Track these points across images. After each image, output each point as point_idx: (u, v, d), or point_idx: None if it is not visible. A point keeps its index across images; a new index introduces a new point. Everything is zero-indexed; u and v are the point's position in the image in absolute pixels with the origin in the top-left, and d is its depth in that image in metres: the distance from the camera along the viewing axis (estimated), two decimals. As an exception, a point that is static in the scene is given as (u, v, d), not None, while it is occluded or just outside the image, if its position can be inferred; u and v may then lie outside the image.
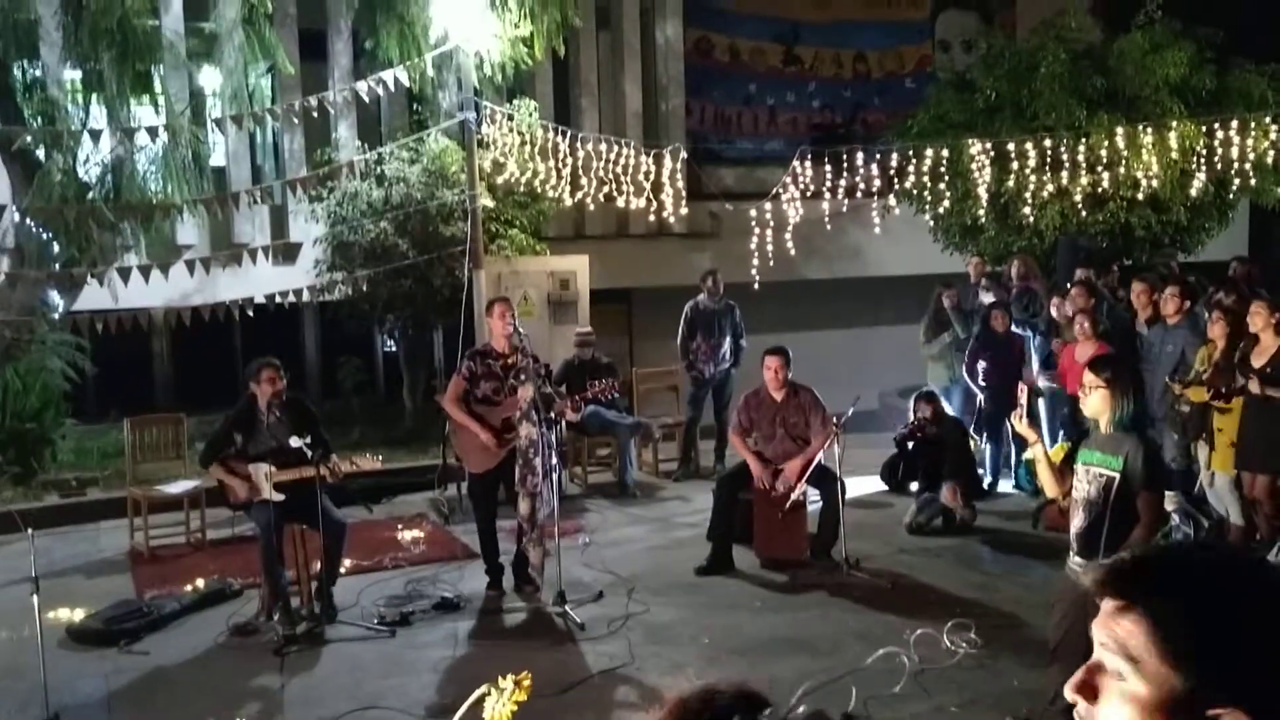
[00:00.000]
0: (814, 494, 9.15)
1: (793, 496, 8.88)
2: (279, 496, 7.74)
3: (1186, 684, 1.38)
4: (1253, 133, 12.92)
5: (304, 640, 7.53)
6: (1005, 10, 20.07)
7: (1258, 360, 8.30)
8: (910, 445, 10.68)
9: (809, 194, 13.48)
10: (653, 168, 12.60)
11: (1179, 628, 1.39)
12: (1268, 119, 13.03)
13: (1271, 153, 13.06)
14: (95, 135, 11.84)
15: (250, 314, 11.98)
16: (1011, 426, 7.05)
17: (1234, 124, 12.87)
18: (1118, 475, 5.34)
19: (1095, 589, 1.48)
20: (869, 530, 9.92)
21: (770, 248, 13.43)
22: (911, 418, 10.77)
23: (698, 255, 15.96)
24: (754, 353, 10.87)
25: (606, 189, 12.50)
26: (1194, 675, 1.37)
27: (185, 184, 12.62)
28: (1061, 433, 10.67)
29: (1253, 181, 13.62)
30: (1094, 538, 5.40)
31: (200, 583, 8.68)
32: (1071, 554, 5.56)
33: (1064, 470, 5.71)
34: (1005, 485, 11.37)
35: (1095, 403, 5.50)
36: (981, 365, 11.02)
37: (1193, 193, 13.36)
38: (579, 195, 12.61)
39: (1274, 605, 1.39)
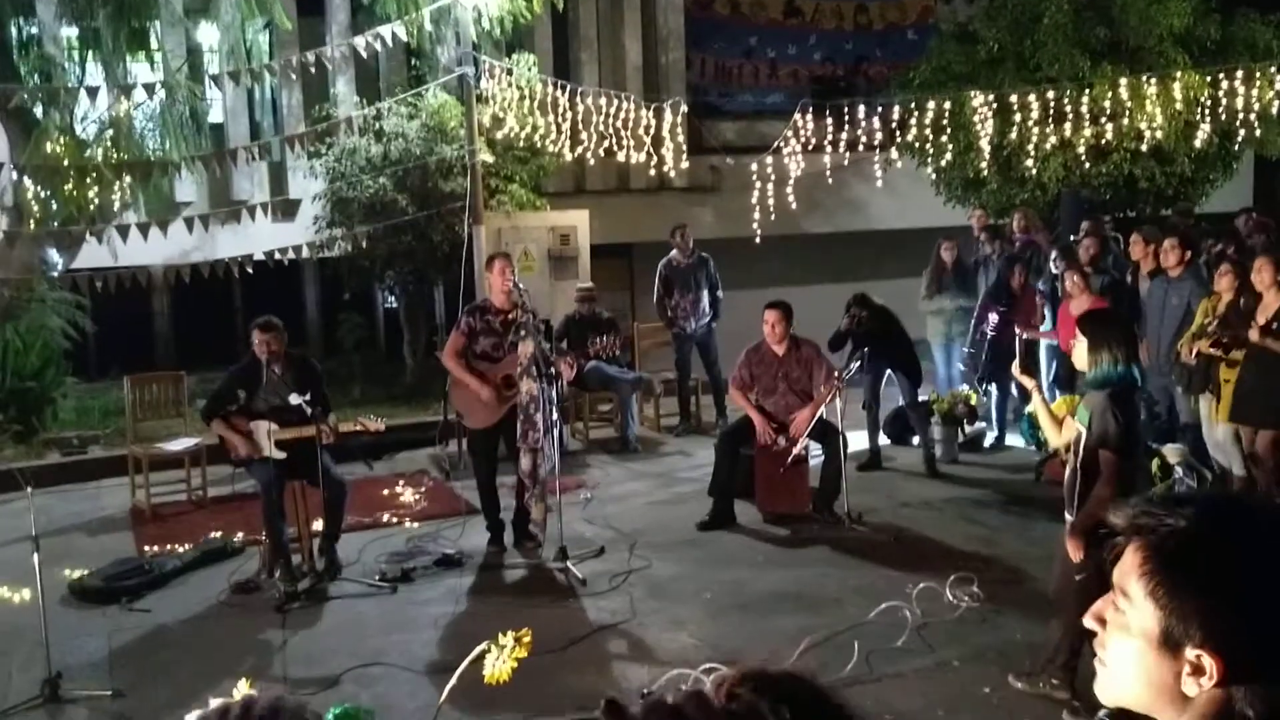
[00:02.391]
0: (816, 448, 9.13)
1: (795, 451, 8.86)
2: (280, 454, 7.73)
3: (1162, 619, 1.41)
4: (1258, 83, 12.82)
5: (305, 597, 7.52)
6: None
7: (1261, 317, 8.25)
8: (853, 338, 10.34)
9: (810, 147, 13.39)
10: (653, 122, 12.51)
11: (1162, 563, 1.42)
12: (1273, 69, 12.94)
13: (1276, 103, 12.96)
14: (92, 92, 11.77)
15: (250, 271, 11.96)
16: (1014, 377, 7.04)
17: (1239, 74, 12.78)
18: (1085, 432, 5.38)
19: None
20: (871, 484, 9.92)
21: (771, 202, 13.35)
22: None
23: (699, 209, 15.91)
24: (746, 306, 10.81)
25: (606, 143, 12.43)
26: (1168, 611, 1.40)
27: (183, 141, 12.58)
28: (1055, 388, 10.67)
29: (1258, 132, 13.55)
30: (1070, 491, 5.52)
31: (201, 540, 8.68)
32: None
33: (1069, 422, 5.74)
34: (1010, 439, 11.33)
35: (1078, 356, 5.55)
36: (992, 316, 10.94)
37: (1197, 144, 13.27)
38: (579, 150, 12.55)
39: (1256, 554, 1.39)
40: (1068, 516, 5.53)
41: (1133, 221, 13.25)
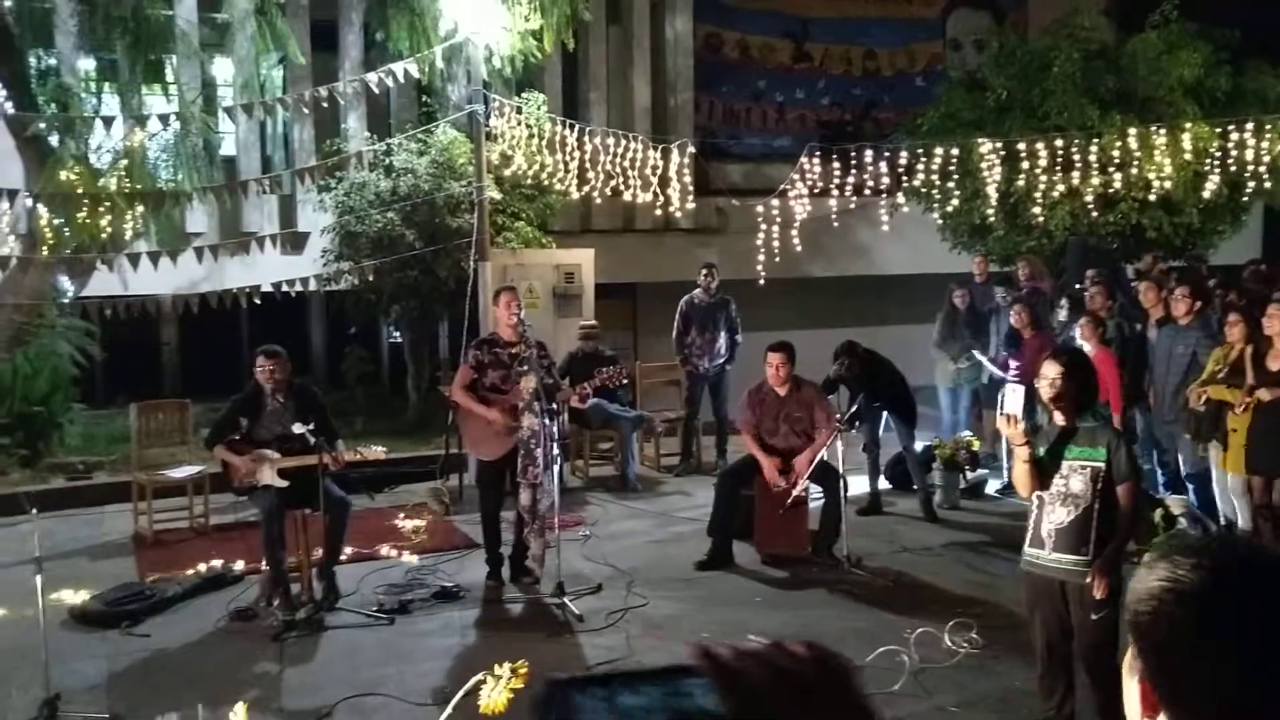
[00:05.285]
0: (816, 490, 9.14)
1: (794, 492, 8.87)
2: (282, 483, 7.76)
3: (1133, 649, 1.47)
4: (1268, 135, 12.88)
5: (303, 626, 7.54)
6: (1017, 9, 20.02)
7: (1272, 364, 8.24)
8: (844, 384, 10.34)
9: (816, 191, 13.47)
10: (660, 162, 12.59)
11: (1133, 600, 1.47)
12: (1283, 121, 13.00)
13: (1286, 155, 13.03)
14: (108, 122, 11.89)
15: (257, 302, 12.03)
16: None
17: (1249, 126, 12.83)
18: (1102, 465, 5.36)
19: None
20: (871, 528, 9.92)
21: (776, 244, 13.41)
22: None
23: (704, 251, 15.94)
24: (749, 348, 10.81)
25: (613, 183, 12.50)
26: (1135, 646, 1.46)
27: (196, 172, 12.69)
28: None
29: (1267, 184, 13.57)
30: (1082, 530, 5.37)
31: (202, 567, 8.70)
32: (1042, 551, 5.47)
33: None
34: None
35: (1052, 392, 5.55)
36: (1014, 364, 10.94)
37: (1206, 195, 13.30)
38: (586, 189, 12.62)
39: (1196, 595, 1.41)
40: (1056, 556, 5.44)
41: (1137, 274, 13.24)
